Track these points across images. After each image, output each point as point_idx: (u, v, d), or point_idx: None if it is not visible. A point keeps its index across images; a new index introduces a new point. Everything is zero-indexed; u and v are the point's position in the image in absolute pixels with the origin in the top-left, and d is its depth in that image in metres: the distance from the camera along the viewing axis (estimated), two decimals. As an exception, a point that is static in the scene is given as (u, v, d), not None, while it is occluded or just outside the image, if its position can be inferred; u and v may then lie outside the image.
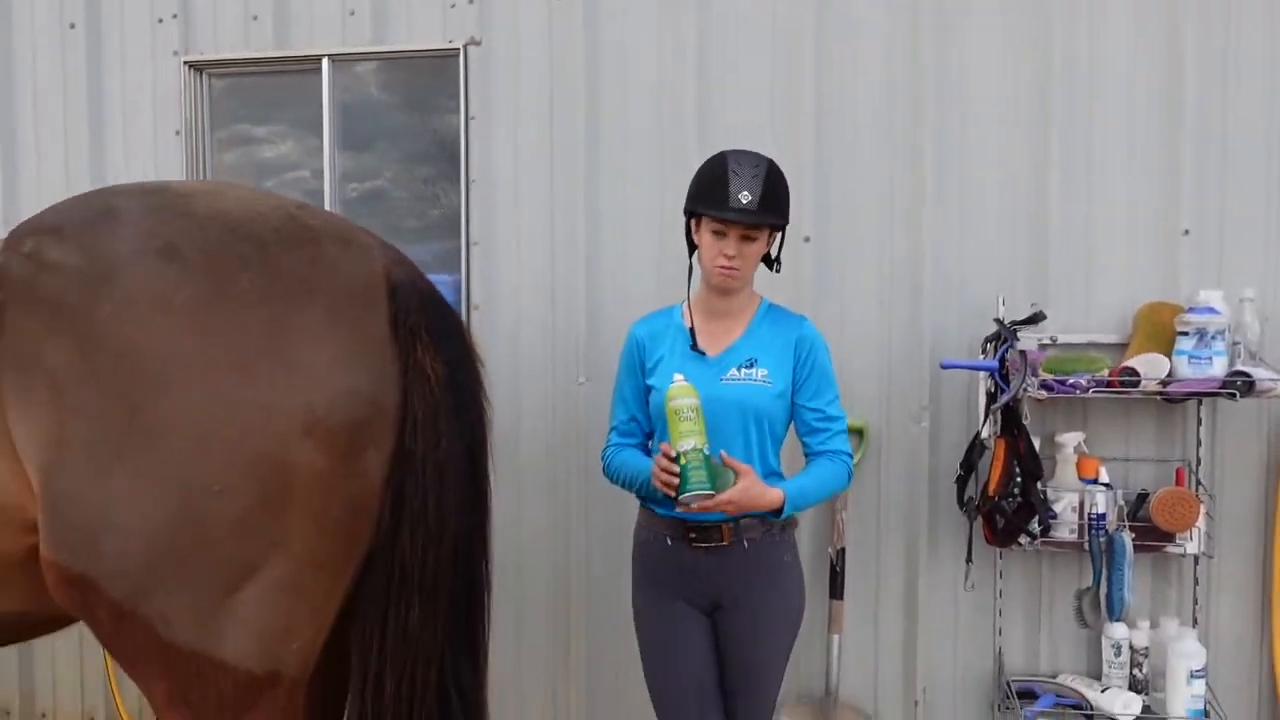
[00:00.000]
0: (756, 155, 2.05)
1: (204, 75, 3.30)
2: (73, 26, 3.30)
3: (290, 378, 1.44)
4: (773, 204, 2.01)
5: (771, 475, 2.08)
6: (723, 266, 2.02)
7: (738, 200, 1.97)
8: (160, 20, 3.24)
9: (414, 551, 1.54)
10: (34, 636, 1.78)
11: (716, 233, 2.02)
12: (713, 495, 1.84)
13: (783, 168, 2.11)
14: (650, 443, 2.20)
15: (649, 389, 2.13)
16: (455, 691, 1.61)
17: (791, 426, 2.17)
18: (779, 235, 2.13)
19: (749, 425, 2.05)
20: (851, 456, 2.14)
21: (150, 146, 3.28)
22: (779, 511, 1.99)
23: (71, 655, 3.37)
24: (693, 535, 2.04)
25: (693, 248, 2.16)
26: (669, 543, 2.08)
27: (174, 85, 3.24)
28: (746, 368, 2.06)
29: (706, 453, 1.85)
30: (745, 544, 2.04)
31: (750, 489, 1.91)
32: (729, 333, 2.12)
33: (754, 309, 2.16)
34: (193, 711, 1.46)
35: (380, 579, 1.54)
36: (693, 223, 2.12)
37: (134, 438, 1.40)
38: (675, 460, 1.85)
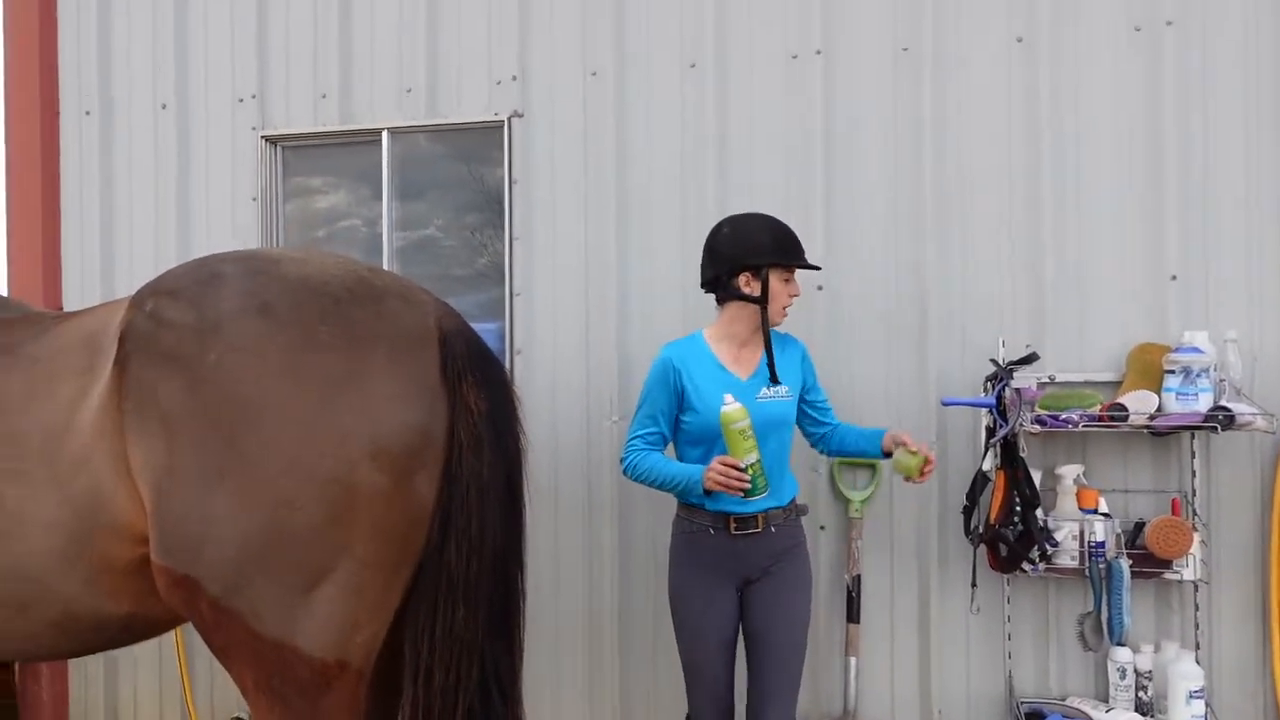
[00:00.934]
0: None
1: (278, 147, 3.69)
2: (164, 107, 3.73)
3: (358, 411, 1.73)
4: None
5: (785, 475, 2.53)
6: (788, 305, 2.51)
7: (804, 251, 2.51)
8: (240, 100, 3.66)
9: (459, 560, 1.80)
10: (138, 640, 2.06)
11: (788, 280, 2.49)
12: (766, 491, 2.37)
13: (796, 223, 2.57)
14: (667, 450, 2.59)
15: (682, 407, 2.49)
16: (495, 683, 1.85)
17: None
18: None
19: (780, 432, 2.49)
20: None
21: (229, 211, 3.67)
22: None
23: (151, 670, 3.69)
24: (736, 525, 2.42)
25: (735, 293, 2.46)
26: (712, 532, 2.46)
27: (251, 157, 3.64)
28: (772, 386, 2.47)
29: (763, 462, 2.32)
30: (773, 529, 2.47)
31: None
32: (753, 357, 2.50)
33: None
34: (277, 696, 1.73)
35: (430, 583, 1.81)
36: (746, 275, 2.45)
37: (232, 462, 1.69)
38: (744, 471, 2.29)
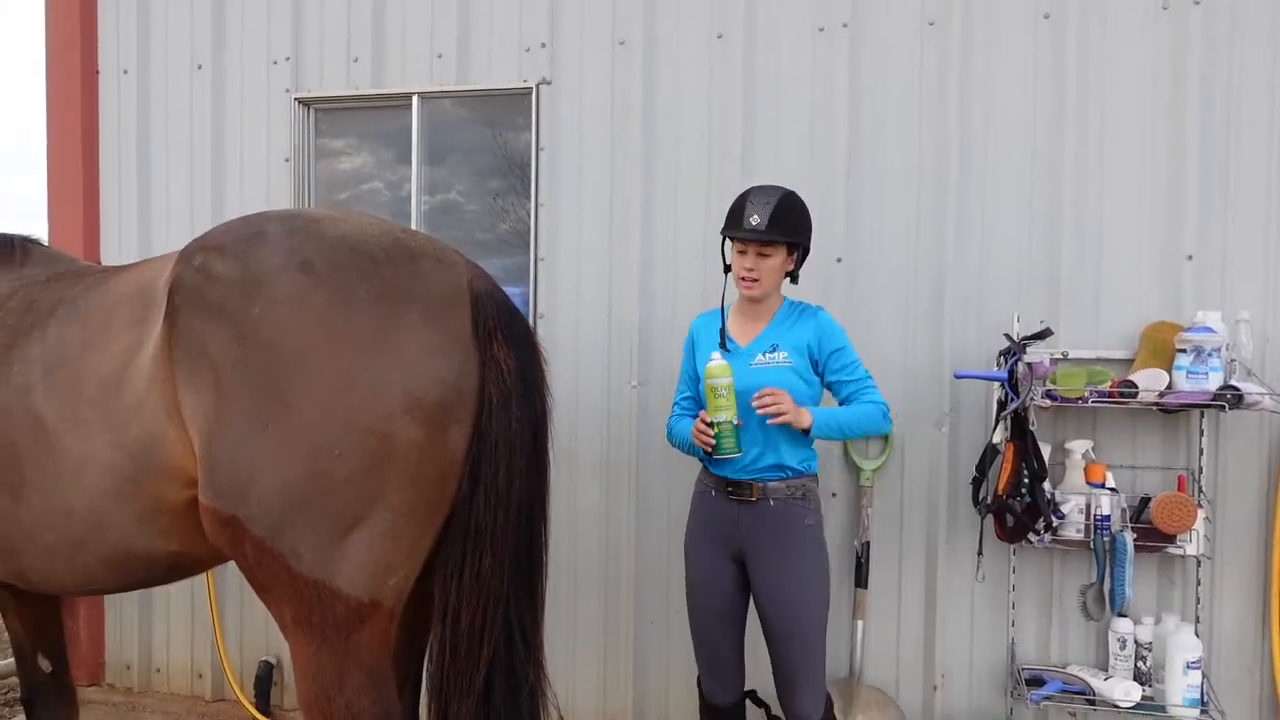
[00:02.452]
0: (775, 187, 2.51)
1: (311, 109, 3.76)
2: (200, 67, 3.80)
3: (394, 366, 1.81)
4: (779, 225, 2.44)
5: (795, 443, 2.48)
6: (743, 278, 2.51)
7: (748, 222, 2.45)
8: (275, 62, 3.72)
9: (486, 511, 1.89)
10: (183, 577, 2.18)
11: (740, 251, 2.50)
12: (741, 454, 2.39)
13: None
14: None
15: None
16: (519, 629, 1.95)
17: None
18: (797, 254, 2.53)
19: None
20: (887, 406, 2.52)
21: (263, 172, 3.75)
22: (808, 432, 2.41)
23: (184, 614, 3.84)
24: (730, 489, 2.49)
25: (727, 265, 2.61)
26: (713, 494, 2.55)
27: (285, 118, 3.71)
28: (769, 353, 2.51)
29: (735, 423, 2.37)
30: (771, 502, 2.47)
31: (785, 394, 2.37)
32: (757, 327, 2.57)
33: (777, 307, 2.59)
34: (314, 631, 1.83)
35: (459, 532, 1.89)
36: (727, 244, 2.56)
37: (275, 411, 1.78)
38: (712, 427, 2.37)
